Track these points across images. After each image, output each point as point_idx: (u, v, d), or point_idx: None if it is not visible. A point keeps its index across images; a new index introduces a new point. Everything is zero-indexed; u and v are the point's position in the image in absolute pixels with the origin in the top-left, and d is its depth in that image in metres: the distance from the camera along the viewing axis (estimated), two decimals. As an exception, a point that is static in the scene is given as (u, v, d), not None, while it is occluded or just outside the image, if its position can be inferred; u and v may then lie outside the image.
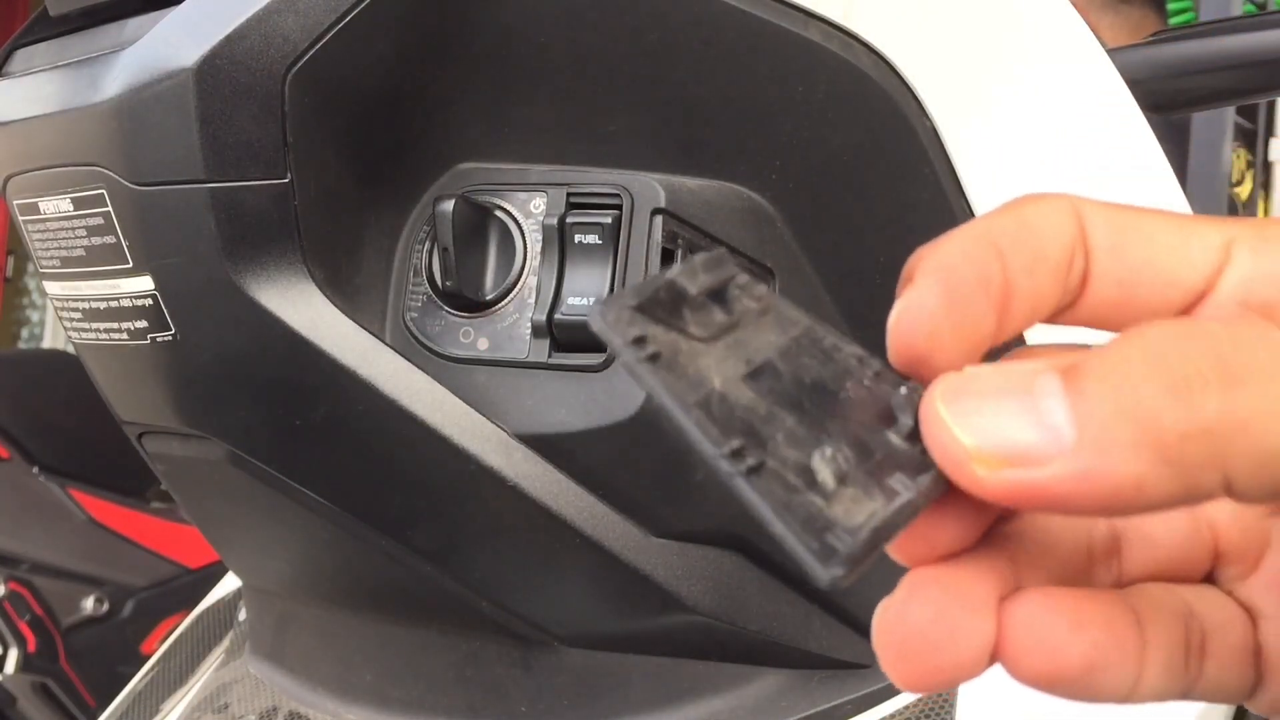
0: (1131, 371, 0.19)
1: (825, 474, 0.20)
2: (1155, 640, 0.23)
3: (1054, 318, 0.24)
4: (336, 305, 0.45)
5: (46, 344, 4.77)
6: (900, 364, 0.23)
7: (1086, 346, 0.22)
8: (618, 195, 0.45)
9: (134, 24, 0.46)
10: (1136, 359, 0.19)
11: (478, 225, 0.46)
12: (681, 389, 0.20)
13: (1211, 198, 1.96)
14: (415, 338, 0.47)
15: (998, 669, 0.22)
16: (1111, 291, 0.24)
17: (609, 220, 0.45)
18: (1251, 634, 0.25)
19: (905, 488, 0.21)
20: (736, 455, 0.20)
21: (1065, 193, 0.23)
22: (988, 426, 0.20)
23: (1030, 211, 0.23)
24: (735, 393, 0.21)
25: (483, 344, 0.47)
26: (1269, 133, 2.15)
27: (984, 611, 0.21)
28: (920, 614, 0.21)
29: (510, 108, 0.47)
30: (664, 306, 0.21)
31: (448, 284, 0.46)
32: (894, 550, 0.22)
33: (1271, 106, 2.12)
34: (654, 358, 0.21)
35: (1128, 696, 0.22)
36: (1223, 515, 0.25)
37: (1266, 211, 2.17)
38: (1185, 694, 0.24)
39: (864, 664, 0.50)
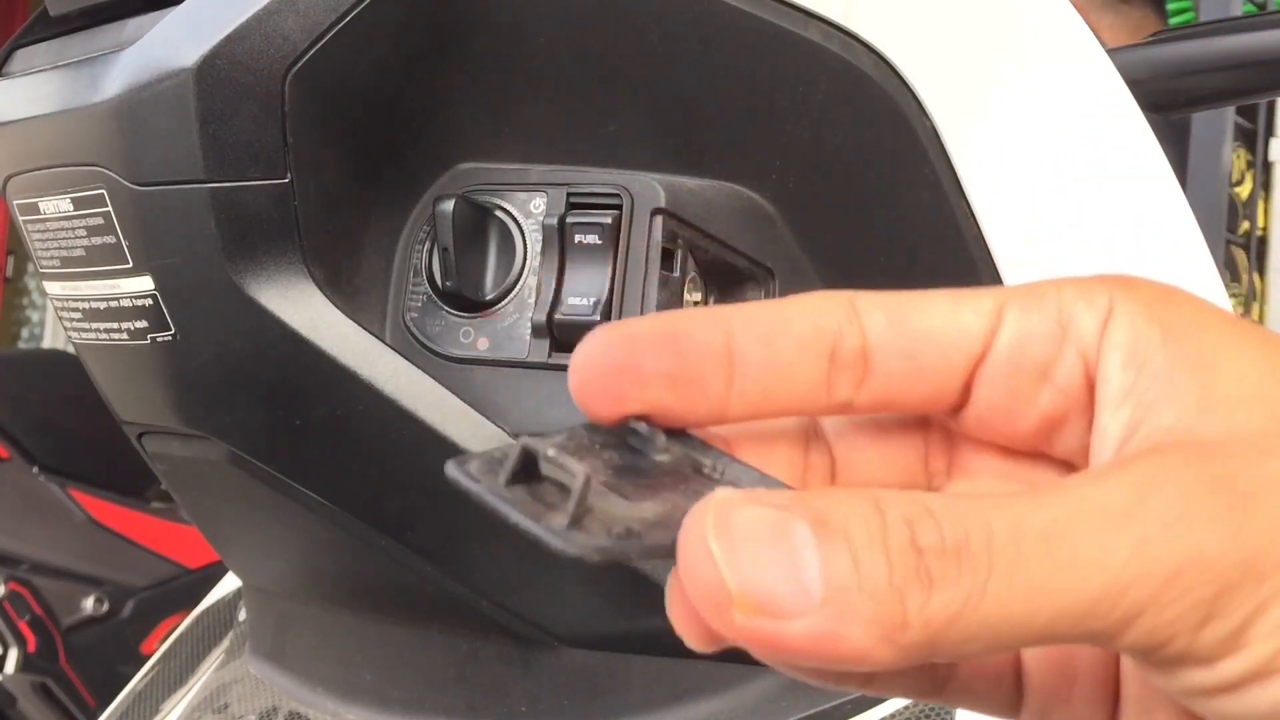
0: (873, 543, 0.21)
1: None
2: None
3: (846, 405, 0.25)
4: (336, 305, 0.45)
5: (46, 344, 4.77)
6: (590, 407, 0.24)
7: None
8: (618, 195, 0.45)
9: (134, 24, 0.46)
10: (875, 529, 0.21)
11: (478, 225, 0.46)
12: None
13: (1211, 198, 1.96)
14: (415, 338, 0.47)
15: None
16: (896, 364, 0.25)
17: (609, 220, 0.45)
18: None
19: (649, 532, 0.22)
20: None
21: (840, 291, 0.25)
22: (750, 570, 0.21)
23: (785, 300, 0.25)
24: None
25: (483, 344, 0.47)
26: (1269, 133, 2.15)
27: None
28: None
29: (510, 108, 0.47)
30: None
31: (448, 284, 0.46)
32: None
33: (1271, 106, 2.12)
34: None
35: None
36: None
37: (1267, 212, 2.17)
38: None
39: (864, 664, 0.50)
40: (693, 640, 0.23)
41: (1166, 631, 0.21)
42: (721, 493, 0.21)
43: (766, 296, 0.49)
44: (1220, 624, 0.21)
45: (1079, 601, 0.21)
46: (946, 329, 0.25)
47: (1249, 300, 2.13)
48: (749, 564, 0.21)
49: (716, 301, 0.48)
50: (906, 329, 0.25)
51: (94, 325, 0.49)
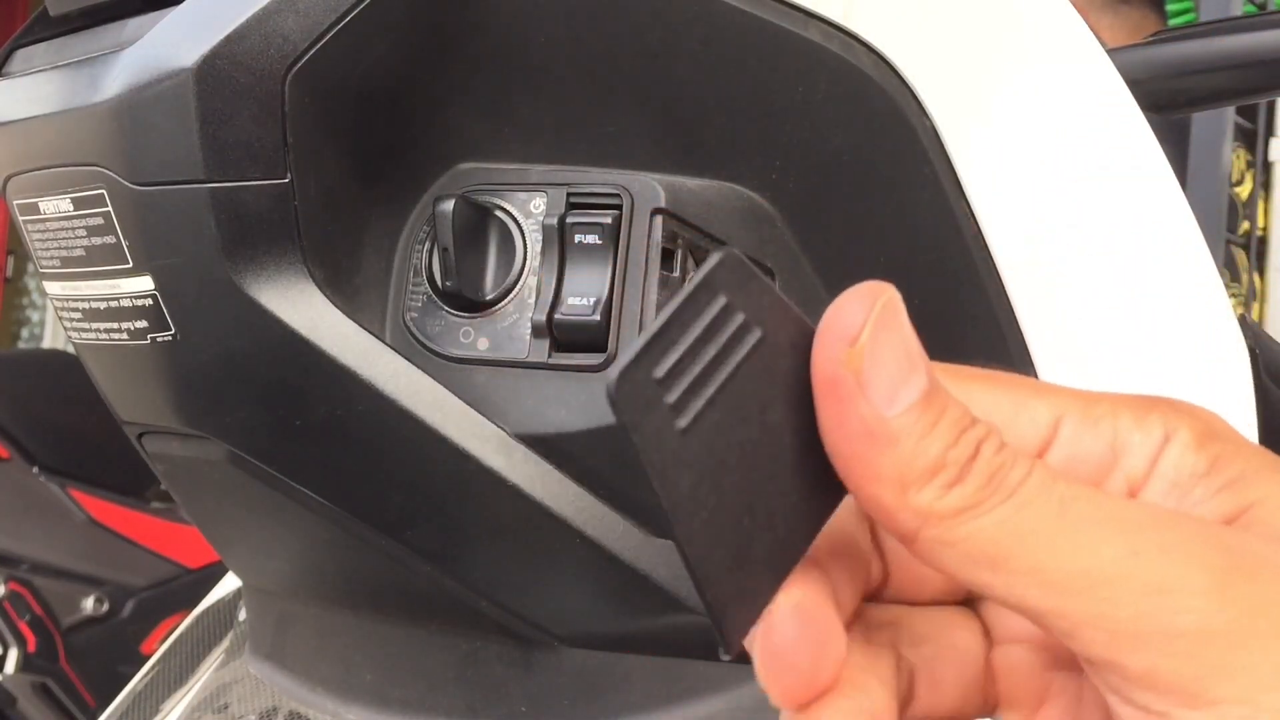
0: (956, 421, 0.25)
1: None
2: None
3: None
4: (336, 305, 0.45)
5: (46, 344, 4.77)
6: None
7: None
8: (618, 195, 0.45)
9: (134, 24, 0.46)
10: (965, 416, 0.25)
11: (478, 225, 0.46)
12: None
13: (1211, 198, 1.97)
14: (415, 338, 0.47)
15: None
16: None
17: (609, 220, 0.45)
18: None
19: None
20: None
21: None
22: (878, 354, 0.24)
23: None
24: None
25: (483, 344, 0.47)
26: (1269, 133, 2.15)
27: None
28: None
29: (511, 108, 0.47)
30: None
31: (448, 284, 0.46)
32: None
33: (1271, 106, 2.12)
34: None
35: None
36: (1006, 664, 0.28)
37: (1267, 212, 2.17)
38: None
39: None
40: (781, 695, 0.25)
41: (1126, 642, 0.23)
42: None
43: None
44: (1178, 665, 0.23)
45: (1057, 567, 0.23)
46: (1004, 429, 0.26)
47: (1249, 300, 2.13)
48: (883, 343, 0.24)
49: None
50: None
51: (94, 325, 0.49)
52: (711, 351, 0.23)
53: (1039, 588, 0.23)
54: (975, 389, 0.27)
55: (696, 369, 0.23)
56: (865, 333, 0.24)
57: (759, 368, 0.24)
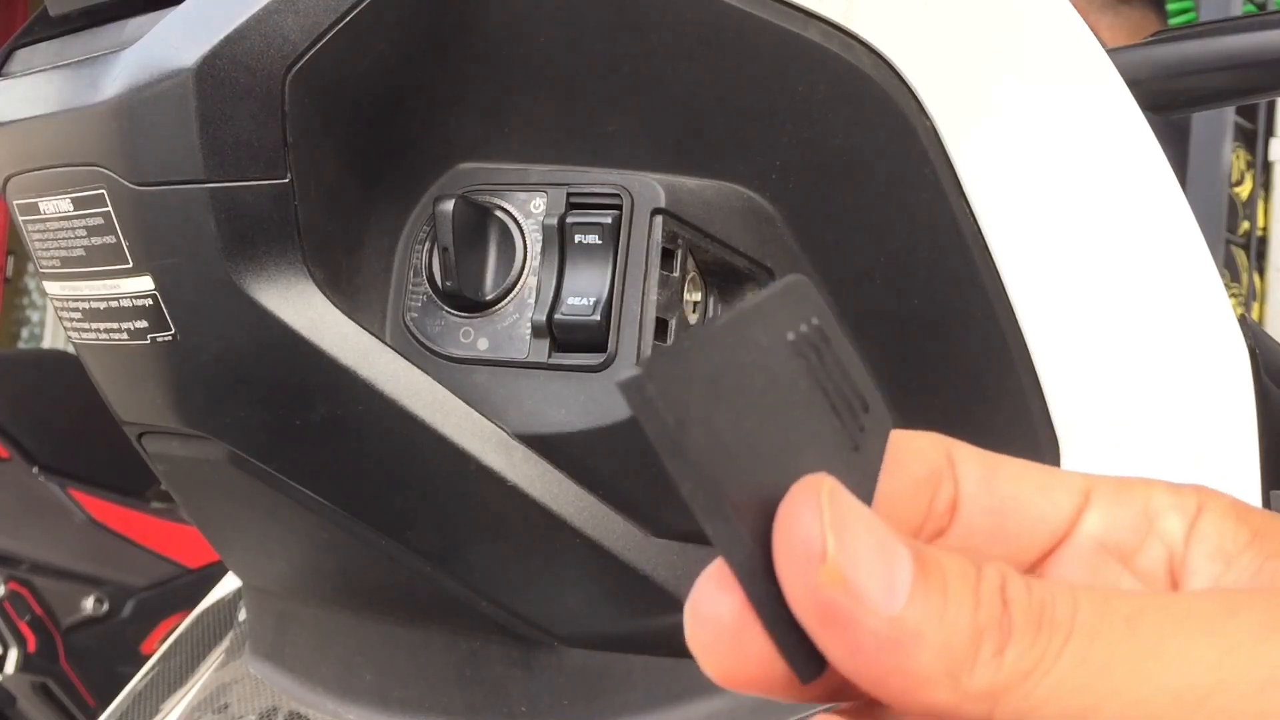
0: (965, 580, 0.21)
1: None
2: None
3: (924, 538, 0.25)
4: (336, 305, 0.45)
5: (46, 344, 4.77)
6: None
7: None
8: (618, 195, 0.45)
9: (134, 24, 0.46)
10: (970, 573, 0.21)
11: (478, 225, 0.46)
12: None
13: (1211, 198, 1.97)
14: (415, 338, 0.47)
15: None
16: (981, 520, 0.25)
17: (609, 220, 0.45)
18: None
19: None
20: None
21: (936, 434, 0.26)
22: (850, 546, 0.21)
23: (899, 435, 0.25)
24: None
25: (483, 344, 0.47)
26: (1269, 133, 2.15)
27: None
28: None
29: (510, 108, 0.47)
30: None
31: (448, 284, 0.46)
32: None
33: (1271, 106, 2.12)
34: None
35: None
36: None
37: (1267, 212, 2.17)
38: None
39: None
40: (713, 666, 0.22)
41: None
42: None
43: (766, 296, 0.49)
44: None
45: (1157, 693, 0.21)
46: (1037, 500, 0.25)
47: (1249, 300, 2.13)
48: (851, 541, 0.21)
49: (716, 301, 0.48)
50: (997, 490, 0.25)
51: (94, 325, 0.49)
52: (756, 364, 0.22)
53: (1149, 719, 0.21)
54: (1001, 465, 0.26)
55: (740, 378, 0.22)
56: (830, 542, 0.21)
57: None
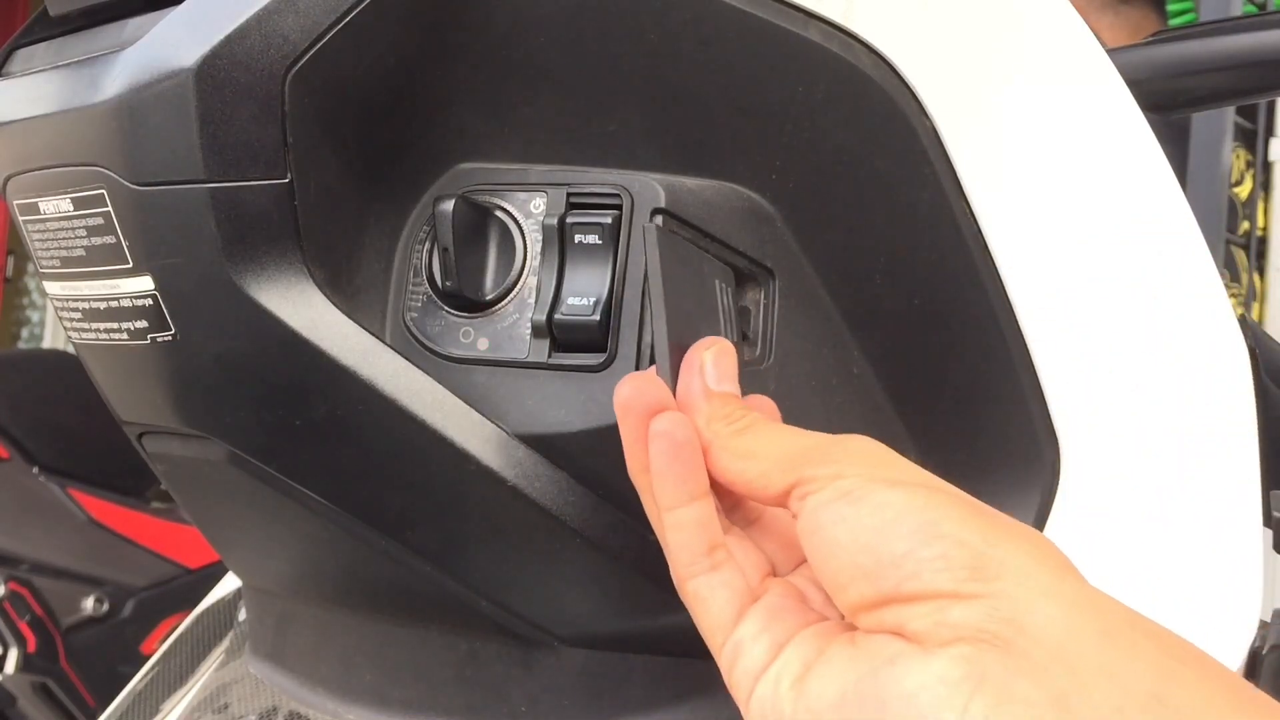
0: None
1: None
2: None
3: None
4: (336, 305, 0.45)
5: (46, 344, 4.77)
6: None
7: None
8: (618, 195, 0.45)
9: (134, 24, 0.46)
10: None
11: (478, 225, 0.46)
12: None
13: (1211, 198, 1.97)
14: (415, 338, 0.47)
15: None
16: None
17: (609, 220, 0.45)
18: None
19: None
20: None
21: None
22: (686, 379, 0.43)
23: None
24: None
25: (483, 344, 0.47)
26: (1269, 133, 2.15)
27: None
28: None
29: (510, 108, 0.47)
30: None
31: (448, 284, 0.46)
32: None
33: (1271, 106, 2.12)
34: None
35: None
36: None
37: (1266, 212, 2.17)
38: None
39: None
40: (624, 393, 0.41)
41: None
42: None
43: (766, 297, 0.49)
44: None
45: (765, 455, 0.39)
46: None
47: (1249, 300, 2.13)
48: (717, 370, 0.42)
49: (716, 301, 0.48)
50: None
51: (94, 325, 0.49)
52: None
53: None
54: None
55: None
56: (709, 367, 0.42)
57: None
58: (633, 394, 0.40)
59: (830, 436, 0.39)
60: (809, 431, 0.40)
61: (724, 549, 0.40)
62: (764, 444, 0.39)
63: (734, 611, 0.39)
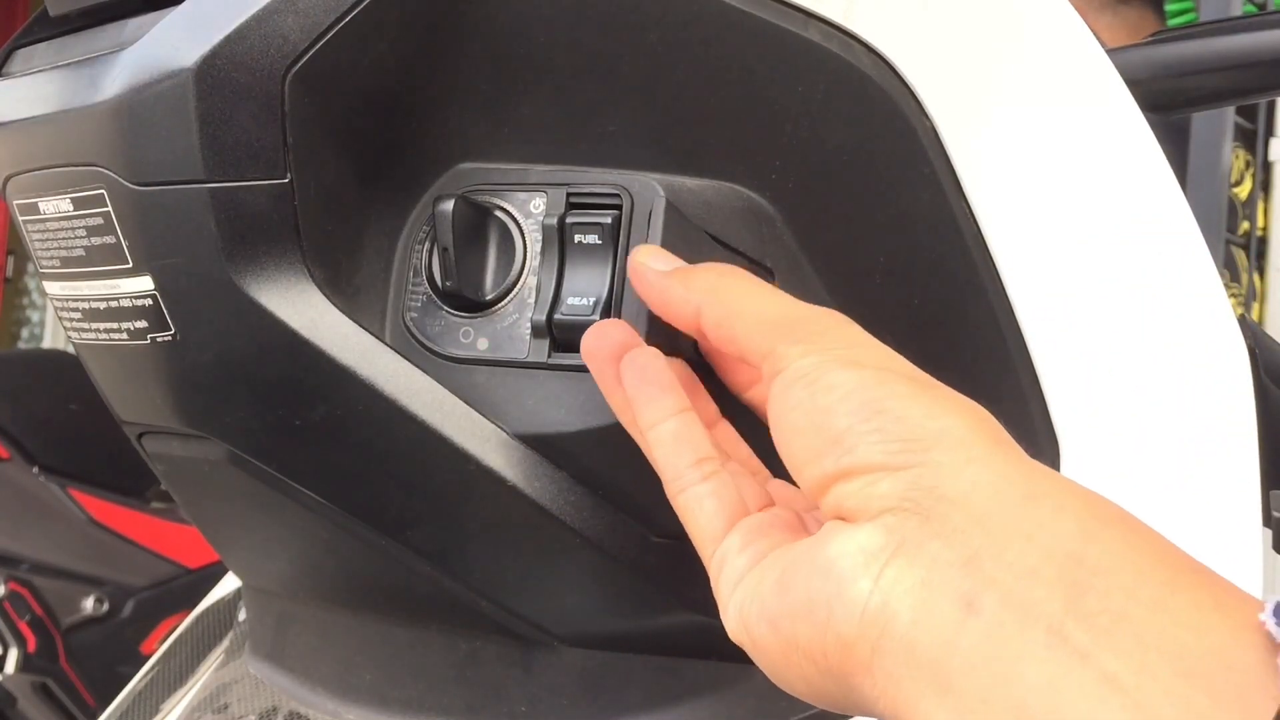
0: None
1: None
2: None
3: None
4: (336, 305, 0.45)
5: (46, 344, 4.77)
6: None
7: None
8: (618, 195, 0.45)
9: (134, 24, 0.46)
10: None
11: (478, 225, 0.46)
12: None
13: (1211, 198, 1.97)
14: (415, 338, 0.47)
15: None
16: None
17: (609, 220, 0.45)
18: None
19: None
20: None
21: None
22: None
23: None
24: None
25: (483, 344, 0.47)
26: (1269, 133, 2.15)
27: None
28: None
29: (510, 108, 0.47)
30: None
31: (448, 284, 0.46)
32: None
33: (1271, 106, 2.12)
34: None
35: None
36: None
37: (1266, 212, 2.17)
38: None
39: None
40: (592, 336, 0.43)
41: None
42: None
43: (766, 296, 0.49)
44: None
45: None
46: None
47: (1249, 300, 2.13)
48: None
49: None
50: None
51: (94, 325, 0.49)
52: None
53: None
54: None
55: None
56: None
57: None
58: (595, 338, 0.42)
59: (806, 308, 0.40)
60: (788, 298, 0.40)
61: (713, 461, 0.40)
62: (749, 303, 0.39)
63: (723, 522, 0.39)
